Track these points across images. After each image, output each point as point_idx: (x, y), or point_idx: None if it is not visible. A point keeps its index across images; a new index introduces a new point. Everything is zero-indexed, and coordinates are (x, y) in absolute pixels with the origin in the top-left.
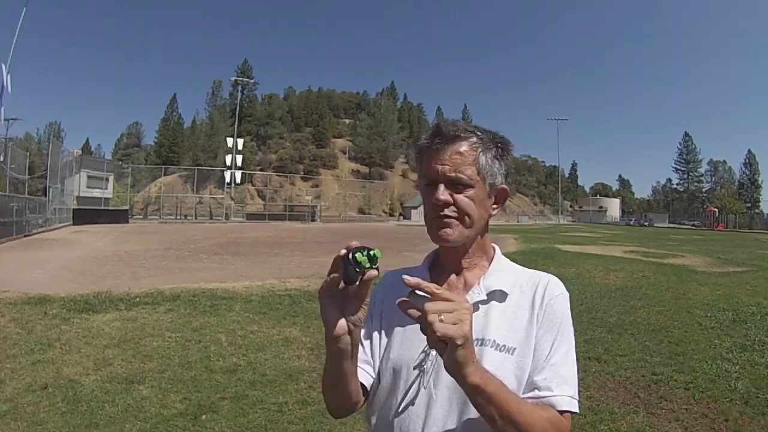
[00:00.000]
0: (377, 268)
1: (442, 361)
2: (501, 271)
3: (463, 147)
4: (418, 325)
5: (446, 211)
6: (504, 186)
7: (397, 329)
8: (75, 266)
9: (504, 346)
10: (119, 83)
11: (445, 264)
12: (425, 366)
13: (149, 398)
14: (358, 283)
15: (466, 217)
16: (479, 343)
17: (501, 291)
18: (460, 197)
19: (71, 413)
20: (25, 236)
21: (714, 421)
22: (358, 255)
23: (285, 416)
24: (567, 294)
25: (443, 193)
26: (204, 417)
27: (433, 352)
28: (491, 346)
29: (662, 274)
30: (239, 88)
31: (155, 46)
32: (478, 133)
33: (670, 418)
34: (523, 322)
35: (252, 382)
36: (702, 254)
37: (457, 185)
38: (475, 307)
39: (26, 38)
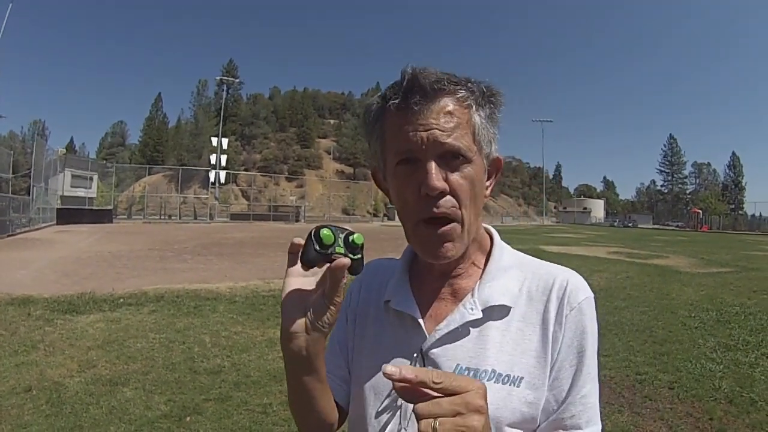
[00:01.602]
0: (357, 259)
1: None
2: (502, 271)
3: (450, 105)
4: (401, 330)
5: (442, 206)
6: (498, 155)
7: (369, 342)
8: (59, 267)
9: (507, 376)
10: (104, 82)
11: (427, 267)
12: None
13: (133, 400)
14: (319, 266)
15: (466, 211)
16: (472, 375)
17: (502, 306)
18: (456, 179)
19: (55, 415)
20: (8, 236)
21: (699, 420)
22: (324, 231)
23: (269, 417)
24: (592, 296)
25: (437, 177)
26: (188, 419)
27: None
28: (490, 378)
29: (646, 274)
30: (224, 87)
31: (140, 45)
32: (469, 85)
33: (654, 418)
34: (532, 342)
35: (236, 384)
36: (686, 255)
37: (452, 160)
38: (466, 329)
39: (10, 35)
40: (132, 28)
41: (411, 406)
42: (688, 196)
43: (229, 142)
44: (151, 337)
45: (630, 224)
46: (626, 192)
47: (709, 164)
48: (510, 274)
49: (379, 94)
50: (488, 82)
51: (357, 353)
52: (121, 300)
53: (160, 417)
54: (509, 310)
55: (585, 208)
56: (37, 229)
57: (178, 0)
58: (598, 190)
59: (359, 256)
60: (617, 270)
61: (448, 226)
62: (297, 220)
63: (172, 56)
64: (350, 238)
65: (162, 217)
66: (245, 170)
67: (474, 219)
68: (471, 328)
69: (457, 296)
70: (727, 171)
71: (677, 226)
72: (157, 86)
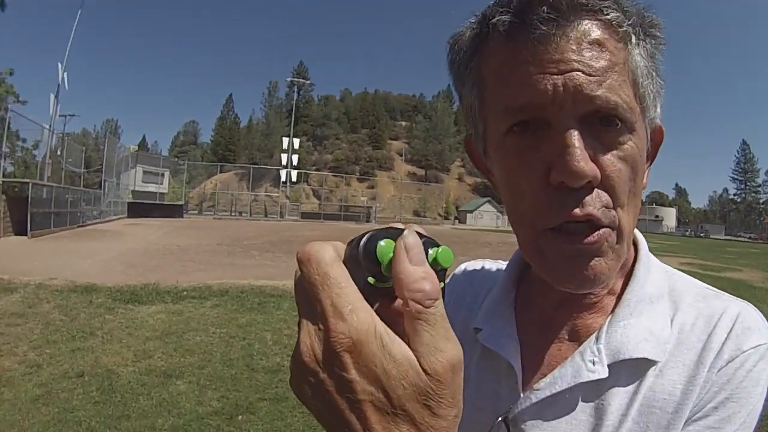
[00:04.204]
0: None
1: None
2: (646, 303)
3: (598, 31)
4: (489, 377)
5: (589, 205)
6: (659, 122)
7: None
8: (125, 258)
9: None
10: (176, 83)
11: (542, 288)
12: None
13: (185, 394)
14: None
15: (624, 213)
16: None
17: (640, 361)
18: (611, 161)
19: (104, 403)
20: (78, 227)
21: None
22: (383, 244)
23: None
24: None
25: (584, 156)
26: (240, 417)
27: None
28: None
29: (719, 288)
30: (295, 88)
31: (212, 47)
32: (622, 2)
33: None
34: (664, 413)
35: None
36: (759, 269)
37: (604, 128)
38: (577, 394)
39: (86, 39)
40: (204, 31)
41: None
42: (762, 206)
43: (300, 142)
44: (211, 331)
45: (702, 234)
46: (698, 200)
47: None
48: (658, 308)
49: (477, 12)
50: (644, 4)
51: None
52: (185, 292)
53: (210, 413)
54: (651, 367)
55: (657, 216)
56: (108, 221)
57: (249, 3)
58: (670, 198)
59: (442, 285)
60: None
61: (598, 233)
62: (368, 221)
63: (243, 58)
64: (428, 252)
65: (232, 213)
66: (316, 170)
67: (633, 224)
68: (586, 393)
69: (578, 338)
70: None
71: (749, 238)
72: (228, 87)
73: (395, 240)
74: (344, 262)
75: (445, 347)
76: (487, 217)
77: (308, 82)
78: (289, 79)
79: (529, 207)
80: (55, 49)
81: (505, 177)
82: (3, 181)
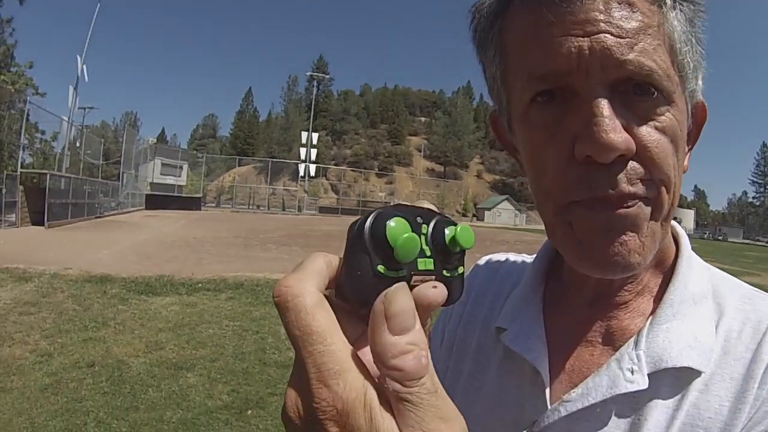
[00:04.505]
0: (456, 277)
1: None
2: (689, 304)
3: None
4: (511, 384)
5: (623, 181)
6: (701, 98)
7: (462, 383)
8: (141, 249)
9: None
10: (196, 76)
11: (574, 282)
12: None
13: (195, 387)
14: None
15: (666, 190)
16: None
17: (683, 370)
18: (648, 132)
19: (113, 394)
20: (96, 218)
21: None
22: (393, 224)
23: None
24: None
25: (614, 126)
26: (249, 412)
27: None
28: None
29: None
30: (315, 83)
31: (231, 40)
32: None
33: None
34: (713, 429)
35: None
36: None
37: (638, 96)
38: (611, 407)
39: (105, 31)
40: (224, 25)
41: None
42: None
43: (319, 137)
44: (225, 324)
45: (720, 237)
46: (717, 203)
47: None
48: (701, 311)
49: None
50: None
51: (451, 394)
52: (200, 285)
53: (220, 407)
54: (695, 378)
55: (675, 218)
56: (125, 213)
57: None
58: (689, 200)
59: (461, 270)
60: None
61: (630, 205)
62: None
63: (262, 53)
64: (444, 232)
65: (250, 207)
66: (335, 165)
67: (674, 205)
68: (622, 407)
69: (612, 342)
70: None
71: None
72: (247, 81)
73: (407, 219)
74: (345, 252)
75: (436, 428)
76: (506, 215)
77: (328, 76)
78: (308, 74)
79: (555, 181)
80: (74, 42)
81: (528, 152)
82: (21, 172)
